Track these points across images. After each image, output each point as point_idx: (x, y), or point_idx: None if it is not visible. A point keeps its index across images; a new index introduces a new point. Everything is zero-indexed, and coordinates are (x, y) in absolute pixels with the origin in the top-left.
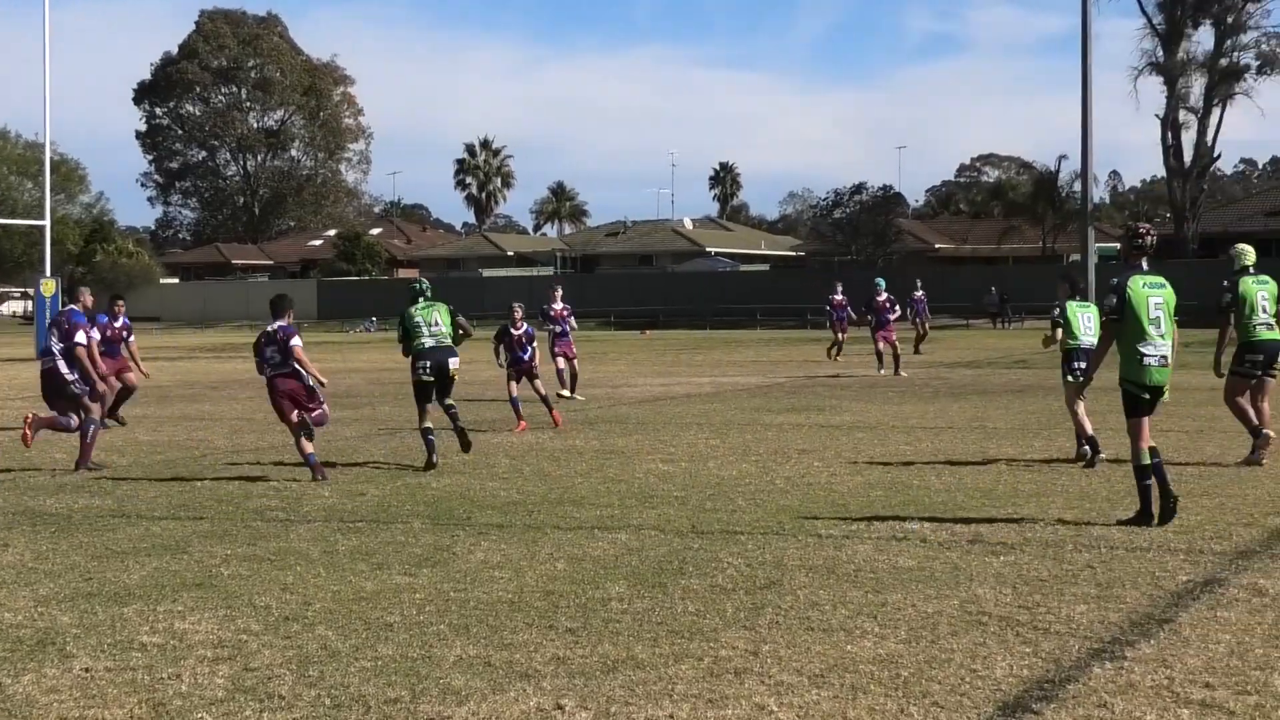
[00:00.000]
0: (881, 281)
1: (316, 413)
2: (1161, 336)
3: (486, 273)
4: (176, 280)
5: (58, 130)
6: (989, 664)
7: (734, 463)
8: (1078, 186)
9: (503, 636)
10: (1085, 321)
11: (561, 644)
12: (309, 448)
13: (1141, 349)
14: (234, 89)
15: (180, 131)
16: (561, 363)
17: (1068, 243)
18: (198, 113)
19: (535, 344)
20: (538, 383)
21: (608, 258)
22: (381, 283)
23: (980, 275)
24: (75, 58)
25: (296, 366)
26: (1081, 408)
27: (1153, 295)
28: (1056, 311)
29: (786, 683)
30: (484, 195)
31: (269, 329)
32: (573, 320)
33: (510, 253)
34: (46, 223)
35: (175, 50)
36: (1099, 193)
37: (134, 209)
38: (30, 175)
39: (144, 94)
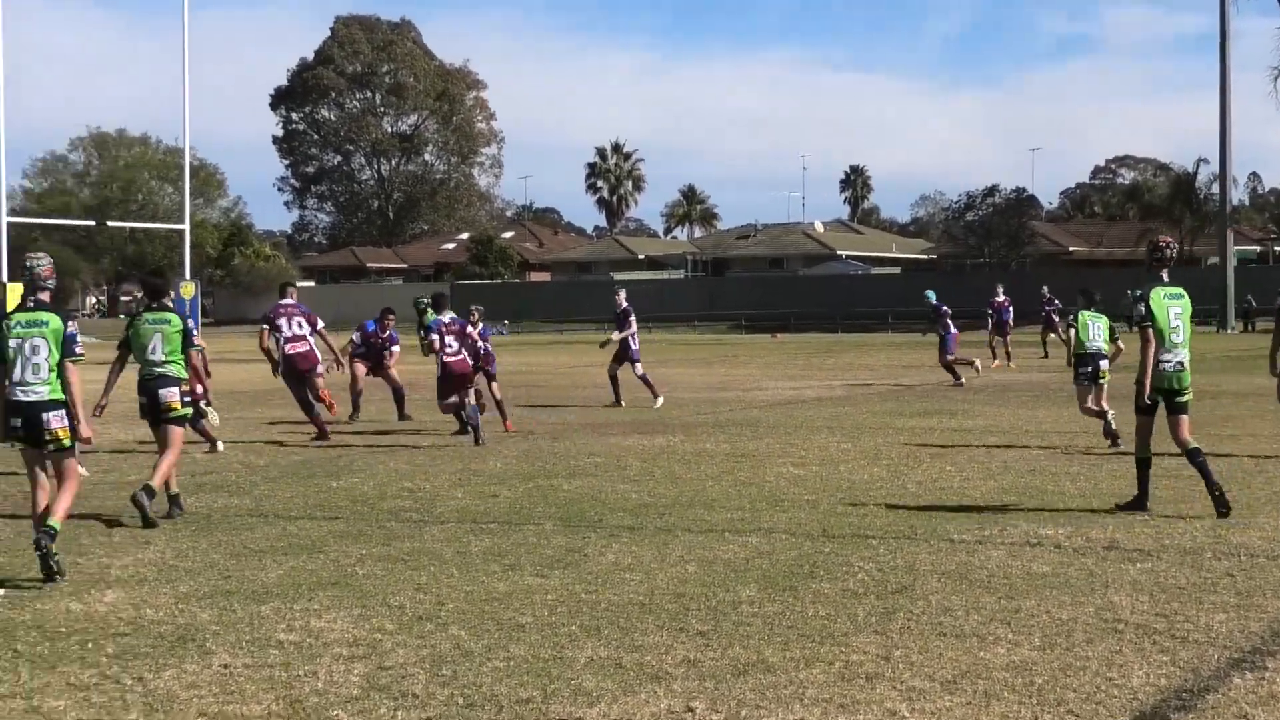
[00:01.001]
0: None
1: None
2: (1180, 344)
3: (618, 276)
4: (312, 283)
5: (197, 136)
6: (1125, 672)
7: (865, 467)
8: (1216, 189)
9: (633, 638)
10: (1095, 330)
11: (692, 646)
12: (478, 418)
13: (1160, 356)
14: (368, 94)
15: (316, 136)
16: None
17: (1206, 245)
18: (333, 118)
19: (488, 346)
20: (494, 385)
21: (738, 261)
22: (514, 286)
23: (1116, 278)
24: (214, 65)
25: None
26: (1092, 399)
27: (1172, 305)
28: (1071, 316)
29: (918, 688)
30: (615, 199)
31: (444, 319)
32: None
33: (641, 256)
34: (186, 226)
35: (311, 56)
36: (1238, 194)
37: (271, 213)
38: (170, 180)
39: (280, 100)
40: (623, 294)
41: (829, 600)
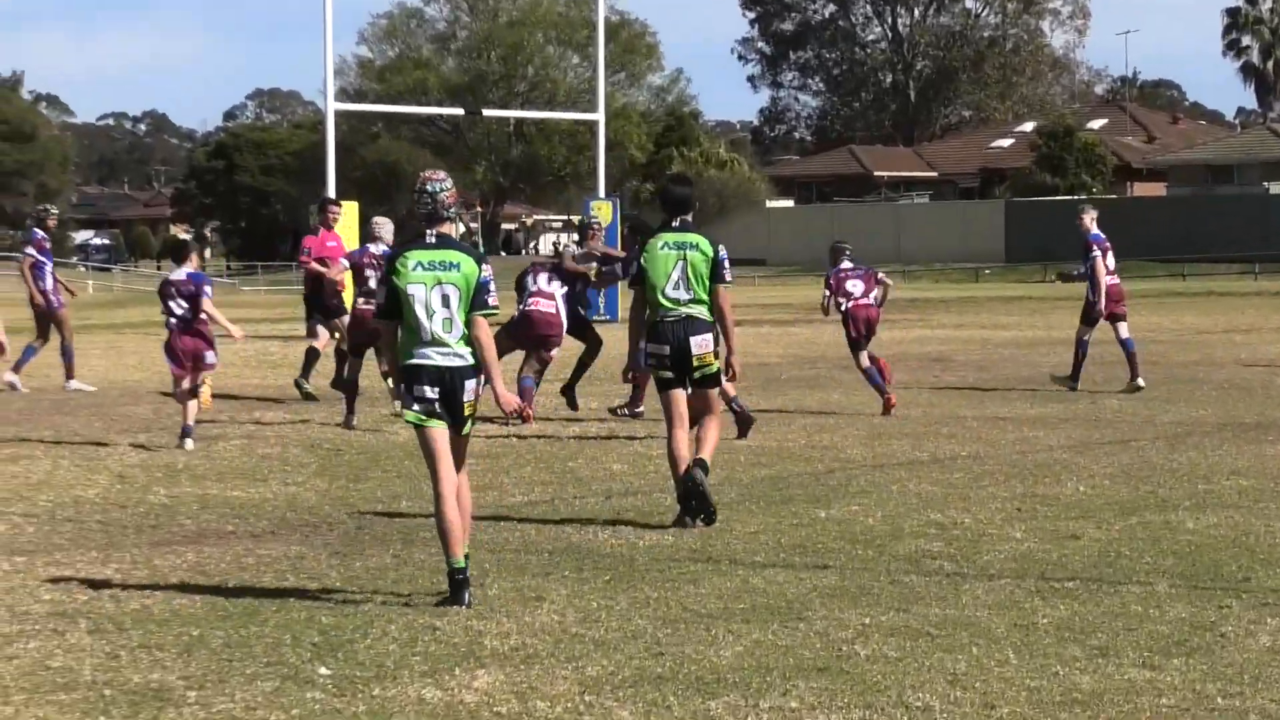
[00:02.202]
0: None
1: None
2: None
3: (1275, 187)
4: (790, 203)
5: None
6: None
7: None
8: None
9: None
10: None
11: None
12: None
13: None
14: None
15: None
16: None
17: None
18: None
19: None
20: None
21: None
22: (1109, 204)
23: None
24: None
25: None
26: None
27: None
28: None
29: None
30: (1271, 65)
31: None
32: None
33: None
34: (600, 116)
35: None
36: None
37: (728, 96)
38: (575, 45)
39: None
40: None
41: None
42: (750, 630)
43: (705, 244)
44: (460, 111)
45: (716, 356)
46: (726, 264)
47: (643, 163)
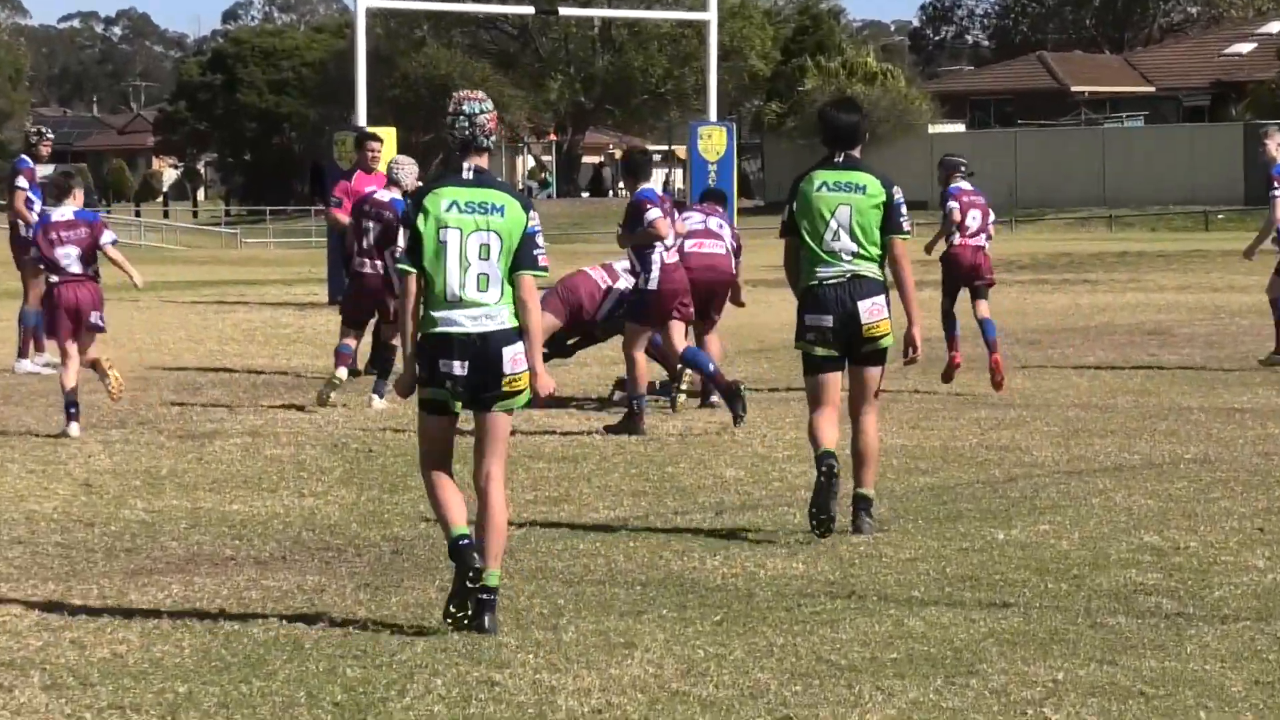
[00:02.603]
0: None
1: None
2: None
3: None
4: (961, 127)
5: None
6: None
7: None
8: None
9: None
10: None
11: None
12: None
13: None
14: None
15: None
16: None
17: None
18: None
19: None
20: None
21: None
22: None
23: None
24: None
25: None
26: None
27: None
28: None
29: None
30: None
31: None
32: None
33: None
34: (712, 14)
35: None
36: None
37: None
38: None
39: None
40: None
41: None
42: (906, 688)
43: (876, 185)
44: (530, 10)
45: (891, 326)
46: (904, 210)
47: (767, 76)
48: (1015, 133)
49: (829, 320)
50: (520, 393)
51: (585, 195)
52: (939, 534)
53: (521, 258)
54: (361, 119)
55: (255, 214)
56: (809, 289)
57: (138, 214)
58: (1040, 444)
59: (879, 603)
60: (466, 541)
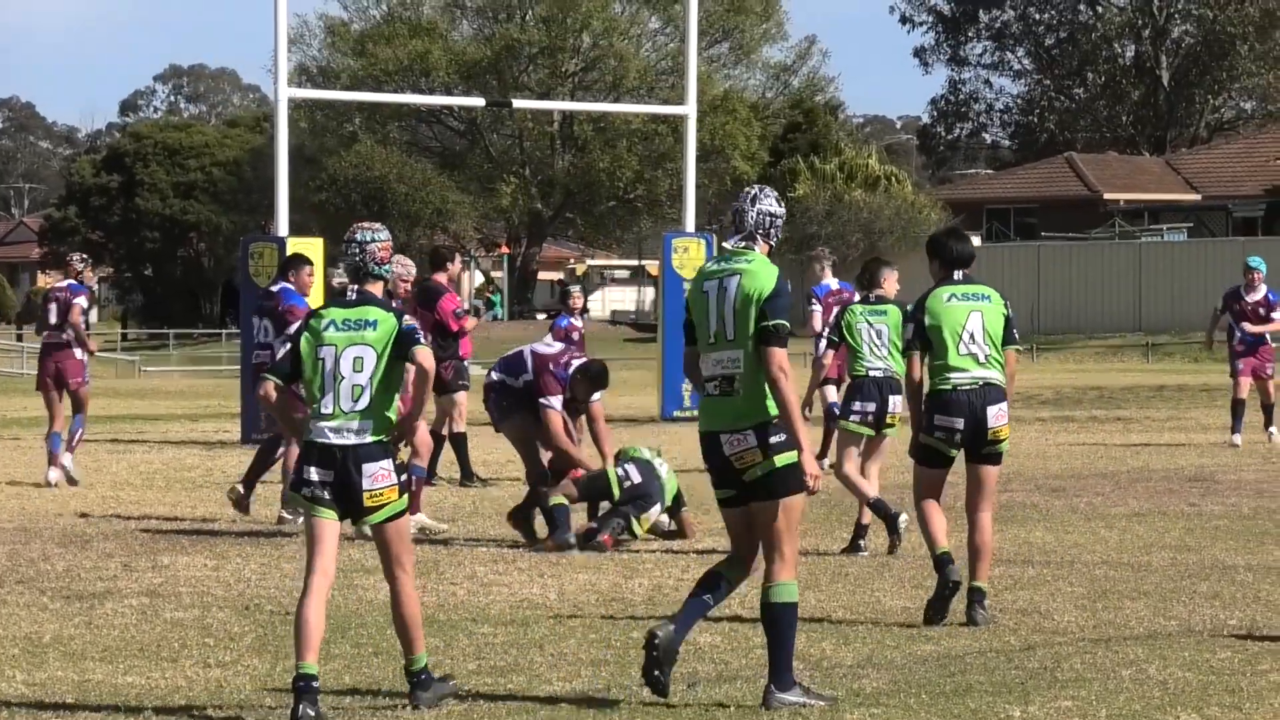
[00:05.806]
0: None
1: None
2: None
3: None
4: (976, 240)
5: None
6: None
7: None
8: None
9: None
10: None
11: None
12: None
13: None
14: None
15: None
16: None
17: None
18: None
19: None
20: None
21: None
22: None
23: None
24: None
25: None
26: None
27: None
28: None
29: None
30: None
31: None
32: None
33: None
34: (690, 108)
35: None
36: None
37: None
38: (656, 1)
39: None
40: None
41: None
42: None
43: (997, 296)
44: (480, 102)
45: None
46: (1015, 323)
47: (753, 179)
48: (1039, 246)
49: (960, 423)
50: (384, 506)
51: (541, 317)
52: (945, 710)
53: (403, 346)
54: (282, 228)
55: (157, 338)
56: (940, 392)
57: (19, 338)
58: (1063, 607)
59: None
60: (304, 684)
